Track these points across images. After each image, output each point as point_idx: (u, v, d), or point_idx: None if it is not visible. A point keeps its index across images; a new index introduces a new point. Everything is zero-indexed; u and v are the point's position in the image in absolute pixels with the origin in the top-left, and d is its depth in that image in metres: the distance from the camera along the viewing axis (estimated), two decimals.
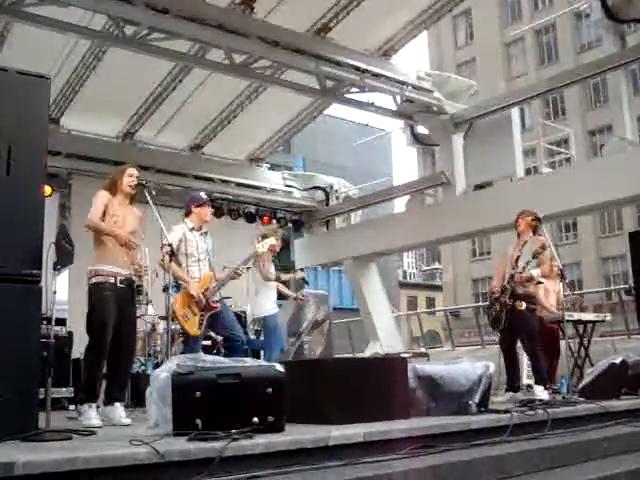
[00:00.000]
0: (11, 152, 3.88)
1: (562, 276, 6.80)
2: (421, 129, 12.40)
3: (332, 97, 11.13)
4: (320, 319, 11.55)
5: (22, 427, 3.47)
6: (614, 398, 5.59)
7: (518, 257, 6.46)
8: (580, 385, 6.17)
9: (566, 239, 34.59)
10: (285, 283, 8.19)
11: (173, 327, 5.56)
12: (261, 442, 3.17)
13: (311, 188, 13.66)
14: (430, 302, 43.83)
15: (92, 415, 4.57)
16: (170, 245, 5.12)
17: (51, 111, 9.71)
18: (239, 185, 12.62)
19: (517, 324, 6.36)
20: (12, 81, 4.05)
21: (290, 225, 13.66)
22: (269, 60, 9.70)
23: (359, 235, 12.90)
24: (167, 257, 5.13)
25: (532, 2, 37.14)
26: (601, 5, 9.76)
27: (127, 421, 4.68)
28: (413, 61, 14.21)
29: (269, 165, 13.78)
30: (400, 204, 14.37)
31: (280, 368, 3.77)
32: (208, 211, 6.09)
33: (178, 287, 5.72)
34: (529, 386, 7.09)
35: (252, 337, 8.58)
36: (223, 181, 12.35)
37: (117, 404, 4.78)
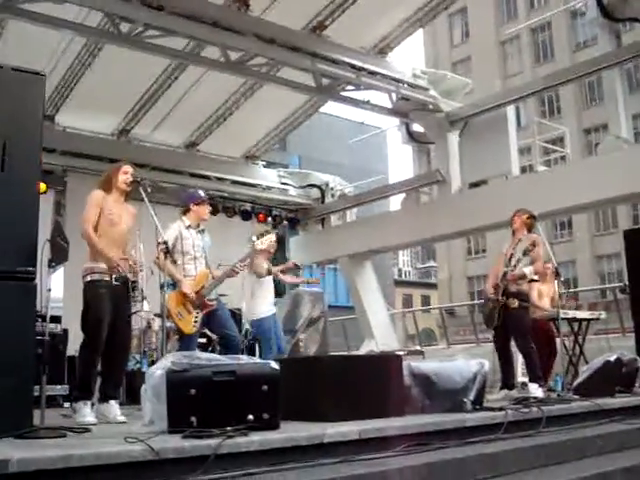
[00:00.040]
0: (6, 149, 3.87)
1: (557, 274, 6.80)
2: (417, 127, 12.38)
3: (328, 95, 11.13)
4: (315, 317, 11.57)
5: (17, 424, 3.47)
6: (609, 396, 5.61)
7: (512, 255, 6.48)
8: (575, 383, 6.17)
9: (561, 237, 34.65)
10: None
11: (168, 325, 5.54)
12: (256, 439, 3.17)
13: (307, 186, 13.64)
14: (425, 300, 43.92)
15: (87, 412, 4.57)
16: (165, 243, 5.09)
17: (46, 108, 9.68)
18: (235, 183, 12.60)
19: (510, 322, 6.38)
20: (7, 78, 4.03)
21: (286, 223, 13.64)
22: (265, 58, 9.69)
23: (354, 233, 12.91)
24: (162, 255, 5.11)
25: (528, 0, 37.13)
26: (597, 4, 9.80)
27: (122, 418, 4.67)
28: (409, 59, 14.18)
29: (265, 163, 13.74)
30: (395, 202, 14.41)
31: (275, 365, 3.76)
32: (207, 209, 6.07)
33: (174, 285, 5.70)
34: (524, 384, 7.10)
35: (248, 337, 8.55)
36: (219, 179, 12.34)
37: (112, 401, 4.77)
